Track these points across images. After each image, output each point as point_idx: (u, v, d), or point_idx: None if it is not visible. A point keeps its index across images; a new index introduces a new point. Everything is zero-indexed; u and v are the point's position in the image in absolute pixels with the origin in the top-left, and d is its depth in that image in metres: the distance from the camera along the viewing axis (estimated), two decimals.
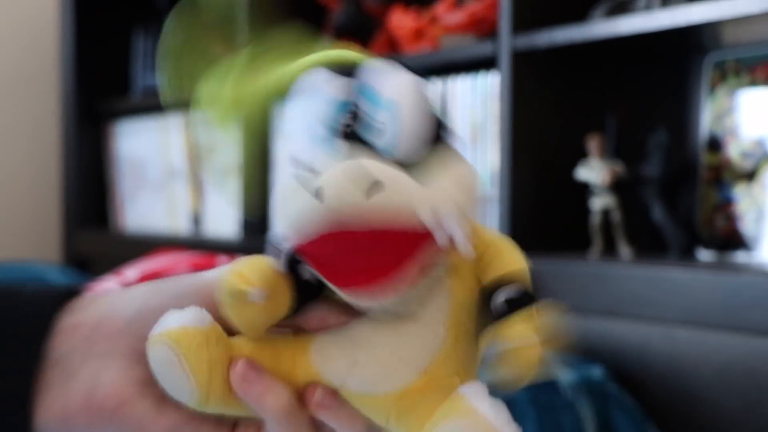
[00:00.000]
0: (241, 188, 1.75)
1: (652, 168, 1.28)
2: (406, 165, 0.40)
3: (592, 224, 1.31)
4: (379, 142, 0.40)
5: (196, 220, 2.03)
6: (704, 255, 1.25)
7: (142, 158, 2.20)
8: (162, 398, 0.44)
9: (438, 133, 0.41)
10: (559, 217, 1.35)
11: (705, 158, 1.32)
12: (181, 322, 0.42)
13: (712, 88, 1.32)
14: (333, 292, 0.42)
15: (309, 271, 0.42)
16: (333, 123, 0.40)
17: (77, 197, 2.29)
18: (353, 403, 0.43)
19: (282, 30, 0.45)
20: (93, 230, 2.28)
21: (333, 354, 0.43)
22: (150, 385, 0.43)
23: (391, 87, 0.40)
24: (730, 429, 1.09)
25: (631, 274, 1.16)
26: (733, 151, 1.28)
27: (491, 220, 1.32)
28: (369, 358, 0.42)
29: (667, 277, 1.12)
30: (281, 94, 0.43)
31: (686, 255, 1.27)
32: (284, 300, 0.42)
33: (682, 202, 1.33)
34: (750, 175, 1.26)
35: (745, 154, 1.27)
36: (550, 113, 1.34)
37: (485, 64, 1.36)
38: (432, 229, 0.39)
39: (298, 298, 0.43)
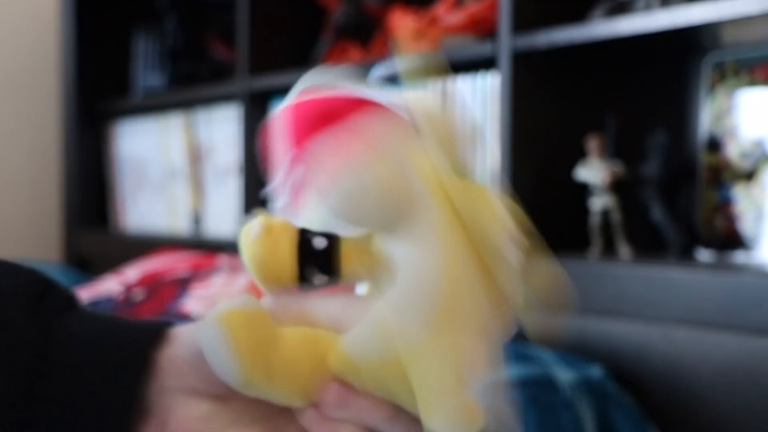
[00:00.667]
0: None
1: (651, 168, 1.28)
2: None
3: (591, 224, 1.32)
4: None
5: (196, 220, 2.03)
6: (704, 255, 1.26)
7: (142, 158, 2.20)
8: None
9: None
10: (559, 217, 1.35)
11: (704, 158, 1.32)
12: (230, 305, 0.44)
13: (712, 89, 1.32)
14: (336, 264, 0.45)
15: (317, 239, 0.45)
16: None
17: (78, 197, 2.29)
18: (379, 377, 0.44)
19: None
20: (93, 230, 2.28)
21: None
22: (211, 420, 0.46)
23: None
24: (730, 429, 1.09)
25: (630, 274, 1.16)
26: (733, 152, 1.28)
27: None
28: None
29: (667, 277, 1.12)
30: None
31: (686, 255, 1.27)
32: (287, 245, 0.45)
33: (681, 203, 1.33)
34: (749, 176, 1.26)
35: (744, 155, 1.27)
36: (549, 113, 1.34)
37: (485, 64, 1.36)
38: None
39: (304, 263, 0.45)
